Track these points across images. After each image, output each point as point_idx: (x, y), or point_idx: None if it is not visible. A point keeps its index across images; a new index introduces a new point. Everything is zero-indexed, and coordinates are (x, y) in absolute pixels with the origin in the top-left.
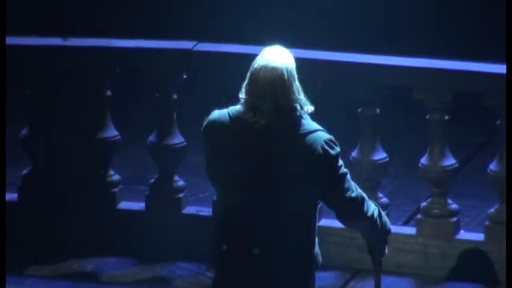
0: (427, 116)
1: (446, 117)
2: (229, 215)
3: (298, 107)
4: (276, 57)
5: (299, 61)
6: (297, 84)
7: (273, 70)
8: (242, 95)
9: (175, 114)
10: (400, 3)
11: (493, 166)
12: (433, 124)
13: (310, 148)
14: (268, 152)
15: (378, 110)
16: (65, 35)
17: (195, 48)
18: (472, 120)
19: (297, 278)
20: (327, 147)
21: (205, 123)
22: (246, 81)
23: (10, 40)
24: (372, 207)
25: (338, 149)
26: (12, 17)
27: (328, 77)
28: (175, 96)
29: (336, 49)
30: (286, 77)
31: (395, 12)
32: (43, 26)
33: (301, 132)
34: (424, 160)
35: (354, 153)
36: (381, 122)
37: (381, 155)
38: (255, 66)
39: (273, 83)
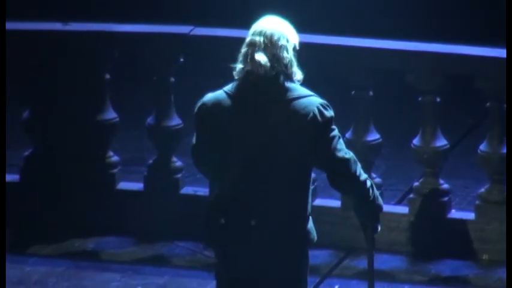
0: (419, 98)
1: (438, 99)
2: (226, 190)
3: (288, 71)
4: (275, 23)
5: (302, 45)
6: (290, 52)
7: (269, 30)
8: (238, 62)
9: (172, 97)
10: None
11: (483, 147)
12: (425, 106)
13: (304, 111)
14: (264, 120)
15: (371, 93)
16: (64, 19)
17: (191, 33)
18: (463, 102)
19: (290, 248)
20: (322, 109)
21: (198, 105)
22: (245, 41)
23: (11, 25)
24: (364, 174)
25: (332, 112)
26: (14, 1)
27: (322, 59)
28: (172, 80)
29: (330, 33)
30: (281, 38)
31: None
32: (43, 10)
33: (295, 96)
34: (416, 141)
35: (348, 135)
36: (373, 104)
37: (374, 136)
38: (255, 25)
39: (268, 37)
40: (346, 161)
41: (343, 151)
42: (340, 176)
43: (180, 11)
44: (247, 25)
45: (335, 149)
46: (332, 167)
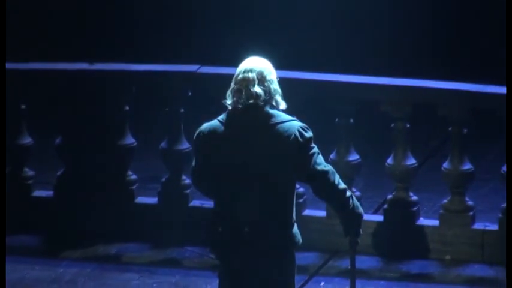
0: (392, 125)
1: (408, 125)
2: (222, 203)
3: (274, 102)
4: (258, 61)
5: (287, 80)
6: (274, 84)
7: (256, 67)
8: (228, 95)
9: (182, 124)
10: (370, 33)
11: (445, 165)
12: (397, 131)
13: (286, 134)
14: (251, 144)
15: (351, 120)
16: (90, 60)
17: (198, 71)
18: (428, 128)
19: (278, 250)
20: (302, 131)
21: (196, 134)
22: (233, 78)
23: (46, 65)
24: (342, 183)
25: (311, 133)
26: (51, 45)
27: (311, 93)
28: (182, 110)
29: (321, 70)
30: (265, 73)
31: (366, 38)
32: (72, 52)
33: (278, 121)
34: (389, 160)
35: (332, 156)
36: (354, 129)
37: (354, 157)
38: (242, 65)
39: (255, 74)
40: (325, 173)
41: (323, 165)
42: (322, 185)
43: (188, 50)
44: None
45: (315, 163)
46: (314, 179)
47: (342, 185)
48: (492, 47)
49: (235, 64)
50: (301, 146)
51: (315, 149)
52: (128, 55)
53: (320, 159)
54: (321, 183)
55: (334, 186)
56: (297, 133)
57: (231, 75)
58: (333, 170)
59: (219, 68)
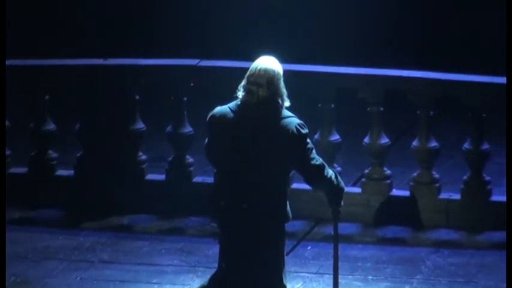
0: (368, 108)
1: (381, 108)
2: (226, 180)
3: (280, 100)
4: (270, 61)
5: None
6: (282, 84)
7: (267, 68)
8: (240, 89)
9: (185, 111)
10: (350, 27)
11: (415, 143)
12: (372, 114)
13: (286, 128)
14: (256, 133)
15: (332, 105)
16: (104, 56)
17: (199, 64)
18: (400, 111)
19: (272, 226)
20: (299, 127)
21: (209, 115)
22: (246, 76)
23: (64, 61)
24: (330, 172)
25: (307, 130)
26: (69, 45)
27: (298, 82)
28: (185, 99)
29: (314, 62)
30: (275, 76)
31: (347, 31)
32: (89, 49)
33: (281, 117)
34: (366, 140)
35: (316, 136)
36: (335, 113)
37: (335, 137)
38: (255, 65)
39: (266, 76)
40: (317, 167)
41: (315, 159)
42: (312, 177)
43: (188, 45)
44: (241, 57)
45: (309, 158)
46: (306, 171)
47: (330, 174)
48: (465, 38)
49: (232, 58)
50: (297, 141)
51: (310, 145)
52: (137, 50)
53: (313, 154)
54: (311, 175)
55: (323, 177)
56: (295, 129)
57: (227, 68)
58: (324, 163)
59: (217, 61)
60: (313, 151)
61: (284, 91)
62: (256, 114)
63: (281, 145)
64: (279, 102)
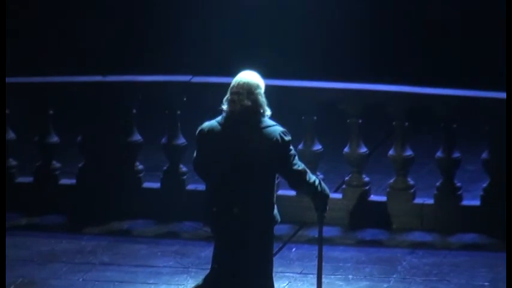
0: (348, 120)
1: (360, 120)
2: (217, 188)
3: (261, 109)
4: (250, 75)
5: (268, 86)
6: (262, 95)
7: (247, 81)
8: (224, 102)
9: (179, 124)
10: (331, 44)
11: (391, 152)
12: (352, 125)
13: (270, 136)
14: (242, 142)
15: (315, 117)
16: (103, 73)
17: (191, 80)
18: (378, 122)
19: (261, 228)
20: (282, 135)
21: (198, 130)
22: (229, 89)
23: (68, 78)
24: (313, 177)
25: (290, 137)
26: (70, 65)
27: (282, 96)
28: (178, 112)
29: (298, 78)
30: (254, 87)
31: (326, 47)
32: (88, 66)
33: (264, 126)
34: (346, 149)
35: (300, 146)
36: (317, 125)
37: (317, 147)
38: (236, 79)
39: (246, 87)
40: (299, 172)
41: (297, 164)
42: (296, 182)
43: (186, 63)
44: (230, 74)
45: (292, 163)
46: (290, 176)
47: (313, 179)
48: (437, 54)
49: (222, 74)
50: (281, 147)
51: (293, 151)
52: (134, 66)
53: (296, 159)
54: (296, 181)
55: (305, 182)
56: (279, 137)
57: (217, 84)
58: (306, 168)
59: (208, 77)
60: (296, 157)
61: (264, 101)
62: (241, 123)
63: (266, 152)
64: (260, 111)
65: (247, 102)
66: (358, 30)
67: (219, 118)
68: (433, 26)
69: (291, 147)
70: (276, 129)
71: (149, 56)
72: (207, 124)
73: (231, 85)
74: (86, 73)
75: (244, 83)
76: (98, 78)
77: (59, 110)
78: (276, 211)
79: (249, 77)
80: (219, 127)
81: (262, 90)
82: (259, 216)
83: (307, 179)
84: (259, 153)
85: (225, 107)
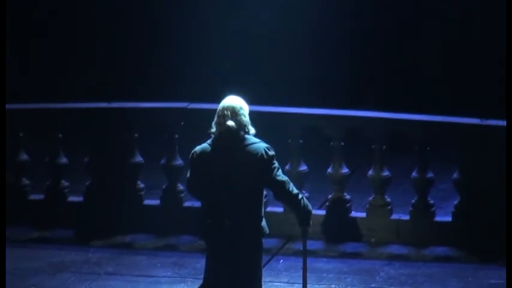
0: (331, 143)
1: (342, 143)
2: (210, 203)
3: (246, 129)
4: (234, 99)
5: (255, 113)
6: (245, 115)
7: (231, 104)
8: (213, 125)
9: (176, 146)
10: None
11: (370, 172)
12: (335, 147)
13: (256, 152)
14: (230, 160)
15: (301, 141)
16: (108, 100)
17: (188, 106)
18: (357, 145)
19: (251, 240)
20: (267, 150)
21: (191, 153)
22: (216, 113)
23: (75, 105)
24: (295, 190)
25: (273, 152)
26: (79, 92)
27: (271, 121)
28: (176, 136)
29: (283, 104)
30: (237, 109)
31: (306, 78)
32: (93, 94)
33: (249, 143)
34: (329, 170)
35: (287, 167)
36: (303, 147)
37: (303, 168)
38: (222, 103)
39: (231, 110)
40: (283, 183)
41: (281, 176)
42: (280, 191)
43: (179, 90)
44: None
45: (276, 175)
46: (275, 186)
47: (295, 191)
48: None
49: (215, 101)
50: (266, 162)
51: (276, 164)
52: (137, 94)
53: (279, 172)
54: (279, 190)
55: (289, 192)
56: (263, 152)
57: (212, 110)
58: (289, 180)
59: (203, 104)
60: (279, 170)
61: (248, 120)
62: (228, 142)
63: (253, 166)
64: (245, 130)
65: (232, 123)
66: (338, 61)
67: (209, 140)
68: (408, 55)
69: (275, 160)
70: (261, 145)
71: (150, 84)
72: (199, 147)
73: (218, 109)
74: (92, 99)
75: (228, 106)
76: (104, 104)
77: (67, 133)
78: (264, 223)
79: (232, 101)
80: (209, 148)
81: (245, 111)
82: (248, 227)
83: (290, 189)
84: (246, 167)
85: (213, 129)
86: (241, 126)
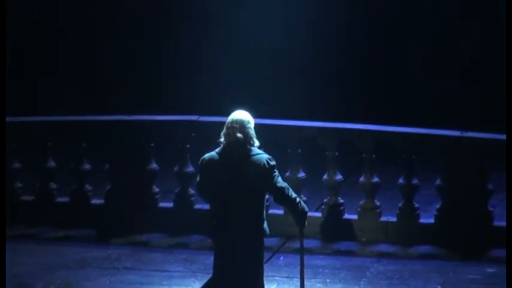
0: (326, 153)
1: (336, 153)
2: (217, 206)
3: (251, 141)
4: (241, 113)
5: (258, 125)
6: (251, 129)
7: (239, 118)
8: (222, 136)
9: (188, 155)
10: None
11: (362, 179)
12: (329, 156)
13: (259, 162)
14: (236, 168)
15: (299, 150)
16: (128, 113)
17: (199, 119)
18: (350, 155)
19: (254, 239)
20: (268, 160)
21: (200, 160)
22: (225, 125)
23: (97, 117)
24: (294, 194)
25: (274, 162)
26: (97, 105)
27: (272, 133)
28: (188, 146)
29: (282, 117)
30: (245, 123)
31: (303, 90)
32: (113, 106)
33: (254, 154)
34: (325, 176)
35: (287, 174)
36: (301, 156)
37: (301, 174)
38: (231, 116)
39: (239, 123)
40: (282, 189)
41: (281, 183)
42: (280, 196)
43: (187, 103)
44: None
45: (276, 182)
46: (275, 191)
47: (293, 195)
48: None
49: (222, 114)
50: (267, 171)
51: (277, 173)
52: (150, 107)
53: (279, 179)
54: (279, 195)
55: (287, 196)
56: (265, 162)
57: (221, 122)
58: (288, 186)
59: (212, 117)
60: (280, 178)
61: (254, 134)
62: (235, 151)
63: (256, 174)
64: (250, 142)
65: (240, 135)
66: (331, 79)
67: (217, 149)
68: (393, 73)
69: (275, 169)
70: (263, 156)
71: (164, 98)
72: (207, 155)
73: (227, 122)
74: (112, 112)
75: (237, 120)
76: (123, 117)
77: (91, 142)
78: (266, 225)
79: (241, 115)
80: (217, 156)
81: (252, 125)
82: (252, 228)
83: (289, 194)
84: (250, 175)
85: (222, 139)
86: (247, 138)
